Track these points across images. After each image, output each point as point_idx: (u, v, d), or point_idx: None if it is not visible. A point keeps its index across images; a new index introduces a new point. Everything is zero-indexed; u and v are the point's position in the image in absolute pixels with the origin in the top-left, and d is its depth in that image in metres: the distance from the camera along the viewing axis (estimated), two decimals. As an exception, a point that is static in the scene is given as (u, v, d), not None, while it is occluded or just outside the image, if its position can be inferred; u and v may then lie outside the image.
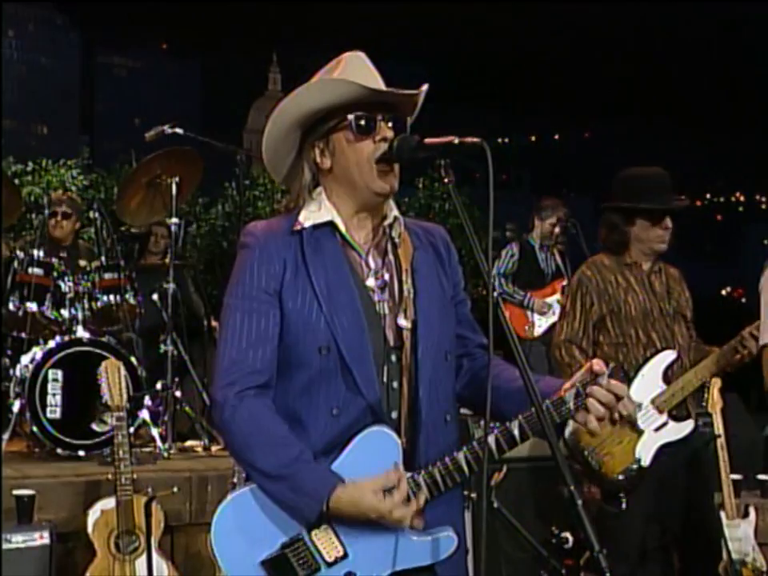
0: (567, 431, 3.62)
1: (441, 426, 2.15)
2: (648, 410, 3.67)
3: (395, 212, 2.21)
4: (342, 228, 2.16)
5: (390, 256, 2.20)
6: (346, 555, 2.06)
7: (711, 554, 3.95)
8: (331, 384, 2.08)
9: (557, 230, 6.95)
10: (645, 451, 3.65)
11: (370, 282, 2.15)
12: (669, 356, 3.72)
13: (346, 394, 2.07)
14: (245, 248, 2.16)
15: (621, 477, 3.62)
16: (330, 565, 2.05)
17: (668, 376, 3.73)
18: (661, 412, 3.69)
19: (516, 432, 2.05)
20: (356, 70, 2.15)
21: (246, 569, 2.07)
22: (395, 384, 2.12)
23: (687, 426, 3.76)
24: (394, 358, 2.12)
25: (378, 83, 2.16)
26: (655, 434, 3.68)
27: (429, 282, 2.20)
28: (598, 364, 2.05)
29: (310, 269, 2.11)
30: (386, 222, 2.20)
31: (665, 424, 3.70)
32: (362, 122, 2.12)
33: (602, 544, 1.85)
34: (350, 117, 2.12)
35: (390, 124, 2.14)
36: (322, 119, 2.16)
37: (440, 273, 2.25)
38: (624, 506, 3.60)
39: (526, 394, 1.98)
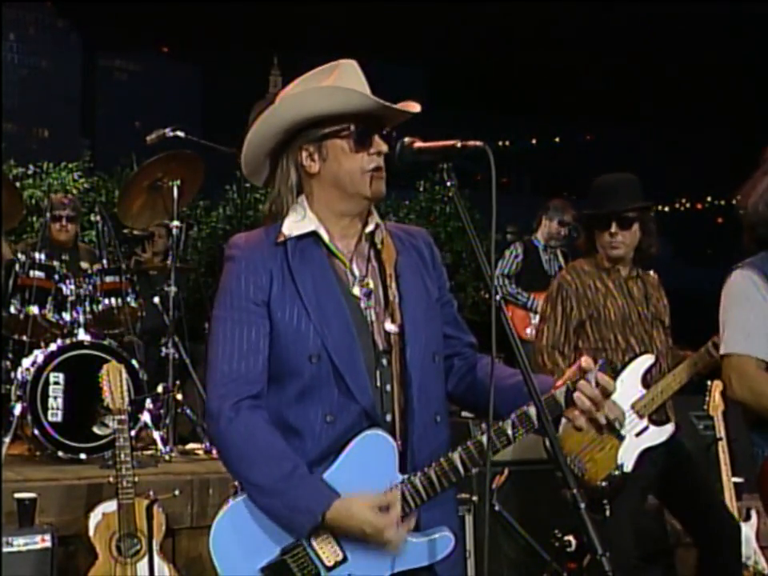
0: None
1: (432, 427, 2.17)
2: (629, 415, 3.67)
3: (376, 218, 2.23)
4: (326, 238, 2.17)
5: (374, 262, 2.21)
6: (345, 559, 2.07)
7: (733, 552, 3.93)
8: (324, 391, 2.09)
9: (563, 231, 6.94)
10: (627, 457, 3.65)
11: (356, 290, 2.17)
12: (647, 360, 3.73)
13: (339, 399, 2.09)
14: (230, 260, 2.17)
15: (604, 483, 3.62)
16: (329, 569, 2.07)
17: (647, 380, 3.74)
18: (641, 417, 3.69)
19: (510, 431, 2.07)
20: (350, 78, 2.18)
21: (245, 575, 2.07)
22: (388, 387, 2.14)
23: (667, 430, 3.76)
24: (384, 362, 2.14)
25: (367, 92, 2.18)
26: (636, 439, 3.68)
27: (413, 286, 2.22)
28: (586, 361, 2.07)
29: (297, 279, 2.12)
30: (368, 229, 2.22)
31: (645, 428, 3.70)
32: (364, 135, 2.15)
33: (605, 547, 1.85)
34: (353, 128, 2.14)
35: (385, 135, 2.16)
36: (316, 124, 2.16)
37: (424, 275, 2.27)
38: (608, 512, 3.59)
39: (526, 395, 1.99)
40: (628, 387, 3.68)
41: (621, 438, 3.64)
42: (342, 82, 2.15)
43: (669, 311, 4.01)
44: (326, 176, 2.17)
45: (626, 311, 3.82)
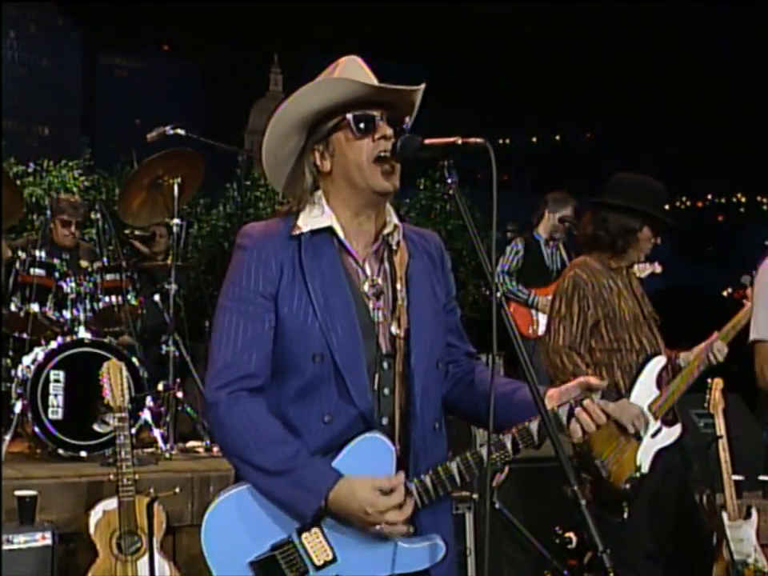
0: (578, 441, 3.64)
1: (431, 434, 2.17)
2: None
3: (395, 220, 2.21)
4: (341, 234, 2.15)
5: (386, 263, 2.20)
6: (334, 559, 2.07)
7: (702, 552, 3.97)
8: (324, 391, 2.09)
9: (567, 224, 6.89)
10: (644, 458, 3.67)
11: (366, 289, 2.16)
12: (660, 362, 3.75)
13: (338, 401, 2.08)
14: (241, 249, 2.15)
15: (626, 485, 3.63)
16: (318, 568, 2.06)
17: (659, 382, 3.75)
18: (656, 418, 3.70)
19: (509, 445, 2.07)
20: (353, 72, 2.16)
21: (234, 569, 2.08)
22: (386, 391, 2.13)
23: (676, 431, 3.77)
24: (386, 365, 2.13)
25: (371, 82, 2.16)
26: (652, 440, 3.70)
27: (422, 291, 2.21)
28: (596, 380, 2.09)
29: (307, 274, 2.10)
30: (386, 231, 2.20)
31: (659, 430, 3.72)
32: (361, 121, 2.12)
33: (605, 544, 1.85)
34: (349, 116, 2.12)
35: (393, 120, 2.14)
36: (321, 122, 2.16)
37: (434, 281, 2.26)
38: (626, 515, 3.60)
39: (520, 403, 2.04)
40: (645, 389, 3.71)
41: (639, 440, 3.65)
42: (344, 76, 2.14)
43: None
44: (337, 171, 2.16)
45: (636, 311, 3.81)
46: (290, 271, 2.11)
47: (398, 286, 2.17)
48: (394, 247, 2.20)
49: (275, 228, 2.17)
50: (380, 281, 2.17)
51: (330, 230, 2.15)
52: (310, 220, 2.16)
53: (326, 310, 2.09)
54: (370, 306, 2.15)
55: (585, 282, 3.76)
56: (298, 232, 2.14)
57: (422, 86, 2.19)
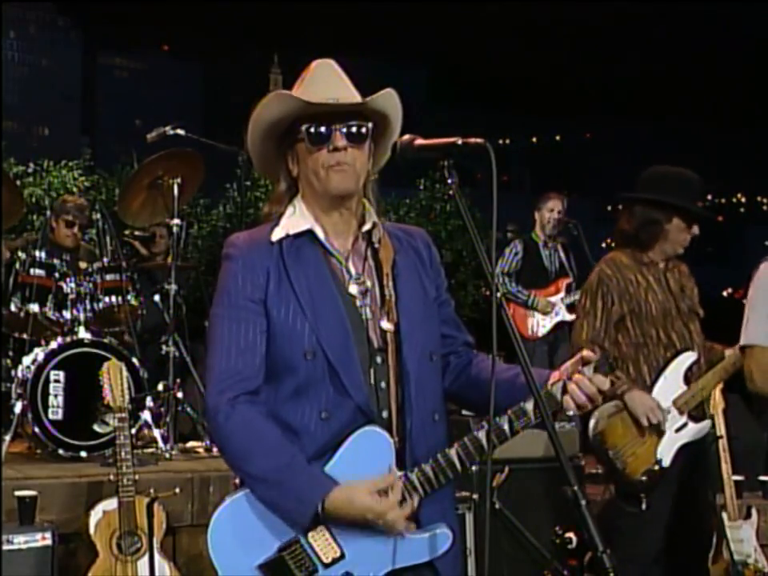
0: (591, 432, 3.66)
1: (430, 425, 2.18)
2: (670, 411, 3.70)
3: (373, 217, 2.24)
4: (321, 235, 2.19)
5: (371, 261, 2.23)
6: (342, 556, 2.08)
7: (703, 550, 3.97)
8: (319, 388, 2.11)
9: (556, 214, 6.92)
10: (666, 452, 3.69)
11: (352, 288, 2.18)
12: (690, 357, 3.75)
13: (334, 396, 2.10)
14: (228, 259, 2.19)
15: (643, 477, 3.65)
16: (327, 566, 2.07)
17: (688, 377, 3.76)
18: (682, 413, 3.73)
19: (506, 426, 2.09)
20: (322, 77, 2.20)
21: (242, 573, 2.09)
22: (383, 384, 2.15)
23: (705, 427, 3.80)
24: (379, 359, 2.16)
25: (344, 89, 2.18)
26: (675, 434, 3.71)
27: (410, 285, 2.23)
28: (587, 353, 2.10)
29: (292, 278, 2.14)
30: (365, 228, 2.23)
31: (684, 425, 3.74)
32: (313, 133, 2.15)
33: (605, 544, 1.85)
34: (303, 129, 2.16)
35: (350, 130, 2.14)
36: (287, 130, 2.20)
37: (422, 275, 2.28)
38: (644, 505, 3.61)
39: (520, 388, 2.04)
40: (671, 384, 3.73)
41: (661, 433, 3.67)
42: (311, 84, 2.18)
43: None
44: (302, 177, 2.22)
45: (666, 306, 3.80)
46: (276, 276, 2.15)
47: (385, 282, 2.20)
48: (377, 244, 2.23)
49: (259, 235, 2.21)
50: (366, 278, 2.20)
51: (311, 233, 2.19)
52: (290, 224, 2.20)
53: (315, 310, 2.12)
54: (358, 303, 2.17)
55: (609, 278, 3.79)
56: (279, 237, 2.18)
57: (379, 94, 2.18)
